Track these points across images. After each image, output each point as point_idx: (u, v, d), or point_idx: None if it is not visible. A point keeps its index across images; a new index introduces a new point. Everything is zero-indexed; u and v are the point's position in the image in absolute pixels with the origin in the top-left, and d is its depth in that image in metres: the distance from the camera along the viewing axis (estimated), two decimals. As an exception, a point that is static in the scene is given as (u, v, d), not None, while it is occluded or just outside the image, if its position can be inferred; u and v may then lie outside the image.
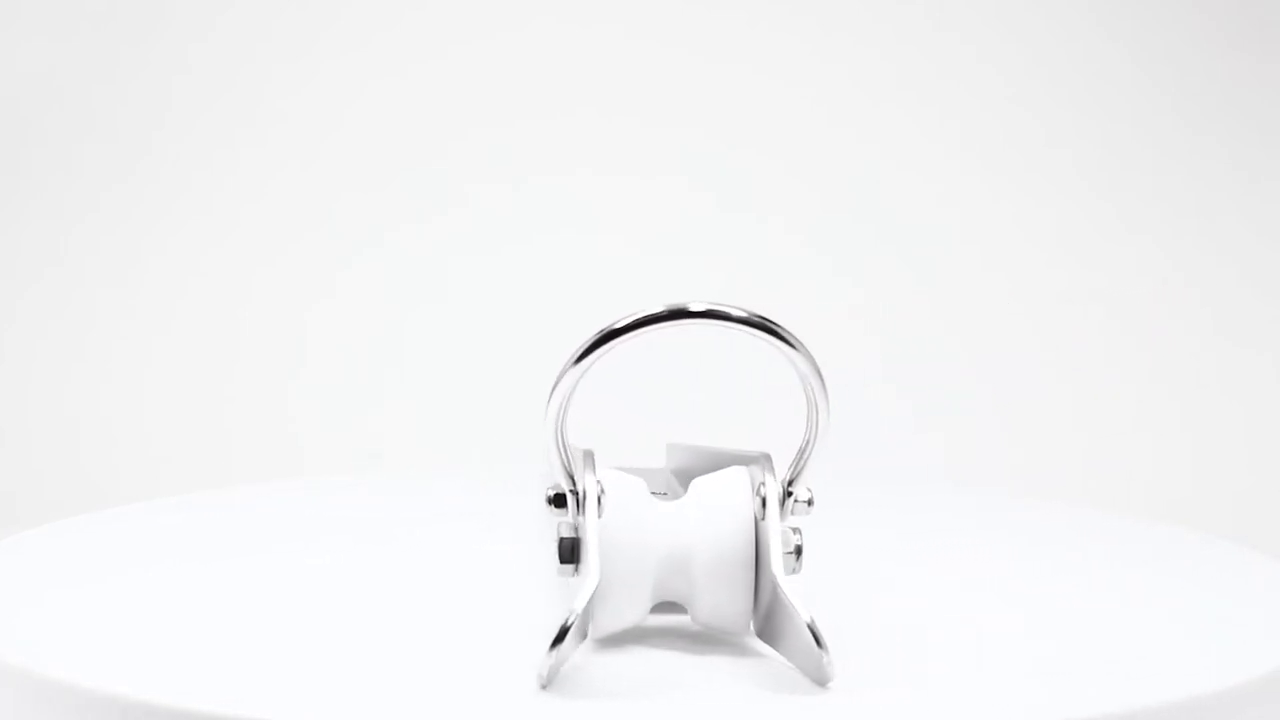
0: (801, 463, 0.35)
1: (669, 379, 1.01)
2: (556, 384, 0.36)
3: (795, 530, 0.37)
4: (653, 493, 0.39)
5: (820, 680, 0.34)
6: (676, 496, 0.40)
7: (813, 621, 0.34)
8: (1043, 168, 1.04)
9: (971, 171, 1.04)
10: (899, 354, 1.03)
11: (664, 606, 0.38)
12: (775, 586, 0.34)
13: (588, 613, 0.36)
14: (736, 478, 0.38)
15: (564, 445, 0.37)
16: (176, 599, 0.43)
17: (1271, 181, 1.04)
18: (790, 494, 0.35)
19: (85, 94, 1.02)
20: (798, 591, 0.34)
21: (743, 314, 0.34)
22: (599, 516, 0.37)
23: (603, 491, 0.37)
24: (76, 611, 0.41)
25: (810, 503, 0.35)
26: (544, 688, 0.34)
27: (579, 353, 0.35)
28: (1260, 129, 1.04)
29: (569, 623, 0.34)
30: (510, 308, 1.02)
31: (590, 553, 0.36)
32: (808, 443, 0.34)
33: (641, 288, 1.03)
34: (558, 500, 0.37)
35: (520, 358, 1.02)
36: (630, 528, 0.37)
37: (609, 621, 0.37)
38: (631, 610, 0.37)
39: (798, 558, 0.36)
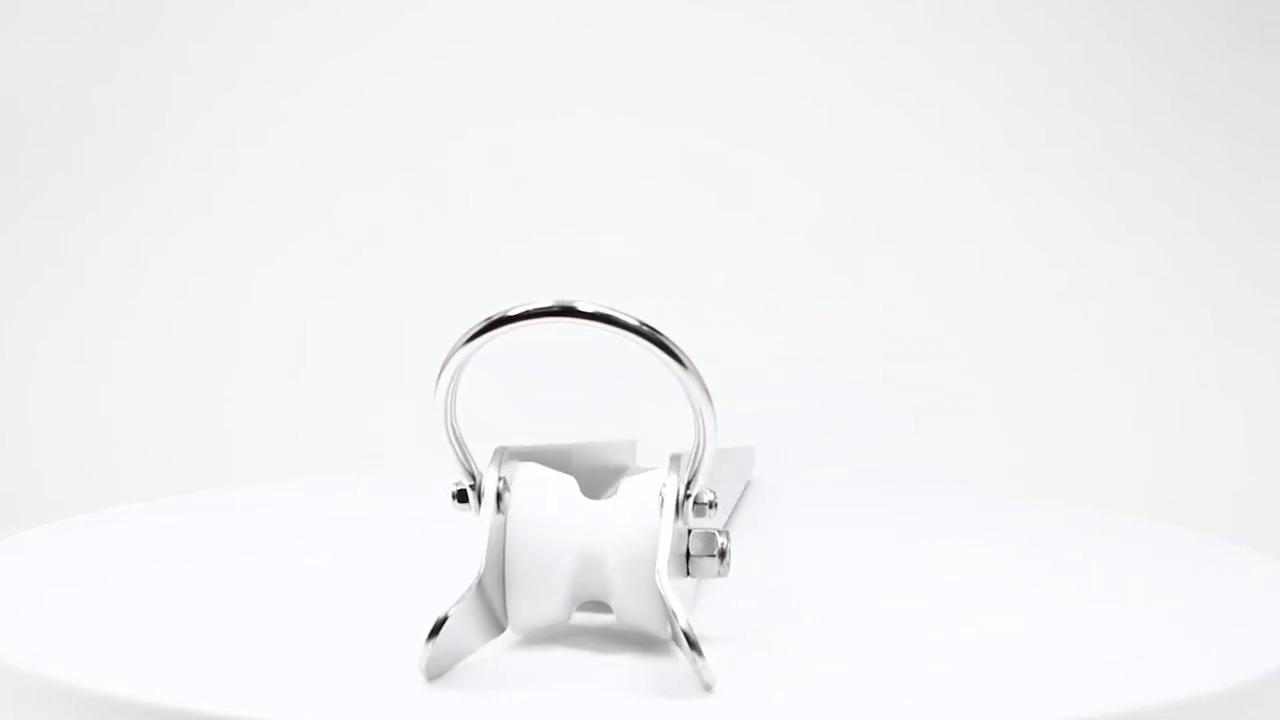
0: (694, 468, 0.35)
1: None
2: (443, 368, 0.36)
3: (722, 533, 0.37)
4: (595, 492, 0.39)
5: (704, 686, 0.34)
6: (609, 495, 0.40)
7: (688, 626, 0.33)
8: (1043, 168, 1.04)
9: (972, 171, 1.04)
10: (899, 354, 1.03)
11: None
12: (659, 587, 0.34)
13: (490, 605, 0.37)
14: (655, 479, 0.38)
15: (457, 435, 0.38)
16: (176, 599, 0.43)
17: (1273, 181, 1.04)
18: (689, 496, 0.35)
19: (85, 94, 1.03)
20: (678, 594, 0.34)
21: (633, 323, 0.34)
22: (499, 513, 0.37)
23: (507, 487, 0.37)
24: (76, 611, 0.41)
25: (712, 505, 0.35)
26: (430, 679, 0.35)
27: (466, 336, 0.36)
28: (1261, 129, 1.04)
29: (444, 616, 0.34)
30: (510, 305, 1.02)
31: (479, 548, 0.36)
32: (697, 449, 0.34)
33: (643, 288, 1.03)
34: (460, 496, 0.38)
35: (521, 357, 1.02)
36: (542, 525, 0.37)
37: (526, 617, 0.38)
38: (550, 607, 0.37)
39: (721, 560, 0.36)
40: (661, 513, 0.35)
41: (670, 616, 0.34)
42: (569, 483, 0.39)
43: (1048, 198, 1.04)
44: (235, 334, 1.02)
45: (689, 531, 0.37)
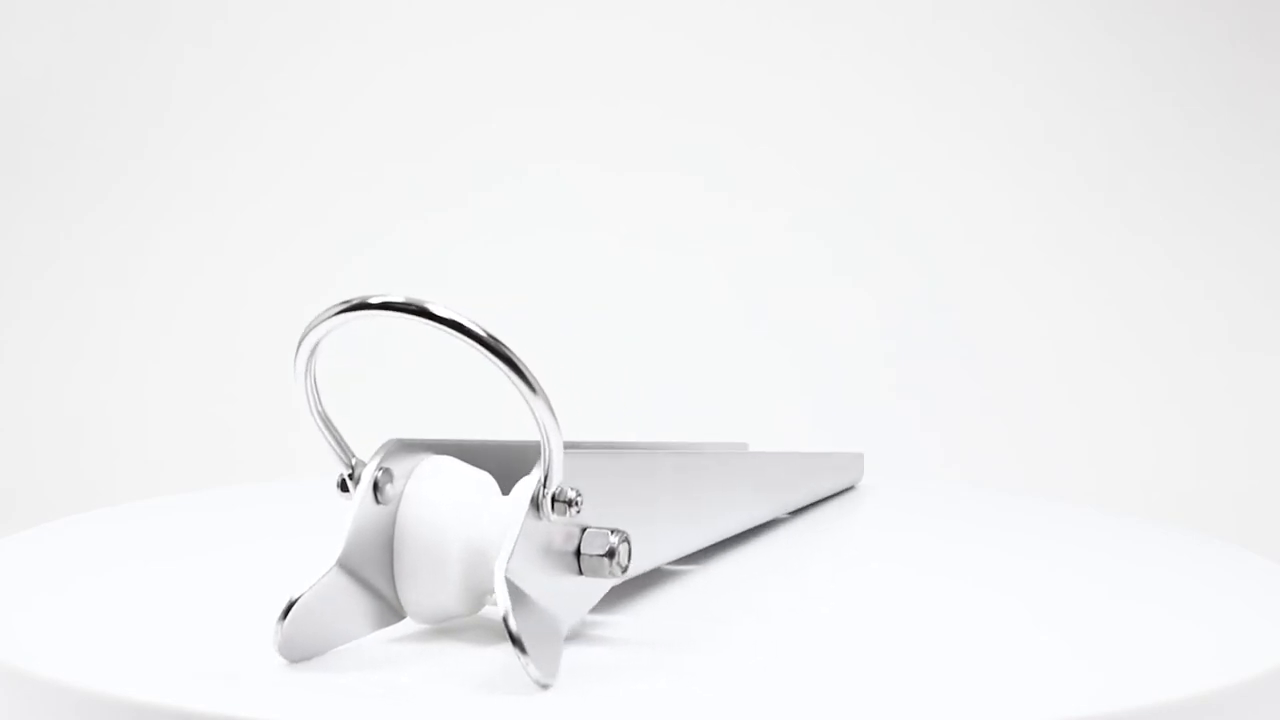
0: (546, 469, 0.35)
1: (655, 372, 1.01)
2: (298, 348, 0.37)
3: (616, 533, 0.37)
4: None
5: (535, 682, 0.34)
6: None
7: (509, 621, 0.34)
8: (1047, 170, 1.04)
9: (975, 173, 1.04)
10: (902, 354, 1.03)
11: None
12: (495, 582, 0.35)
13: (379, 592, 0.37)
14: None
15: (324, 416, 0.38)
16: (176, 598, 0.43)
17: (1277, 182, 1.04)
18: (549, 495, 0.35)
19: (84, 94, 1.03)
20: (505, 591, 0.34)
21: (483, 335, 0.34)
22: (379, 503, 0.37)
23: (390, 478, 0.38)
24: (75, 611, 0.41)
25: (572, 503, 0.35)
26: (294, 661, 0.36)
27: (320, 319, 0.36)
28: (1264, 130, 1.04)
29: (295, 599, 0.35)
30: (511, 307, 1.02)
31: (342, 534, 0.37)
32: (546, 453, 0.35)
33: (643, 287, 1.03)
34: (343, 485, 0.38)
35: (518, 355, 1.02)
36: (431, 517, 0.38)
37: (419, 607, 0.38)
38: (446, 599, 0.38)
39: (611, 560, 0.37)
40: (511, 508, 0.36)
41: (505, 613, 0.34)
42: (481, 480, 0.39)
43: (1052, 200, 1.04)
44: (235, 334, 1.02)
45: (582, 530, 0.37)
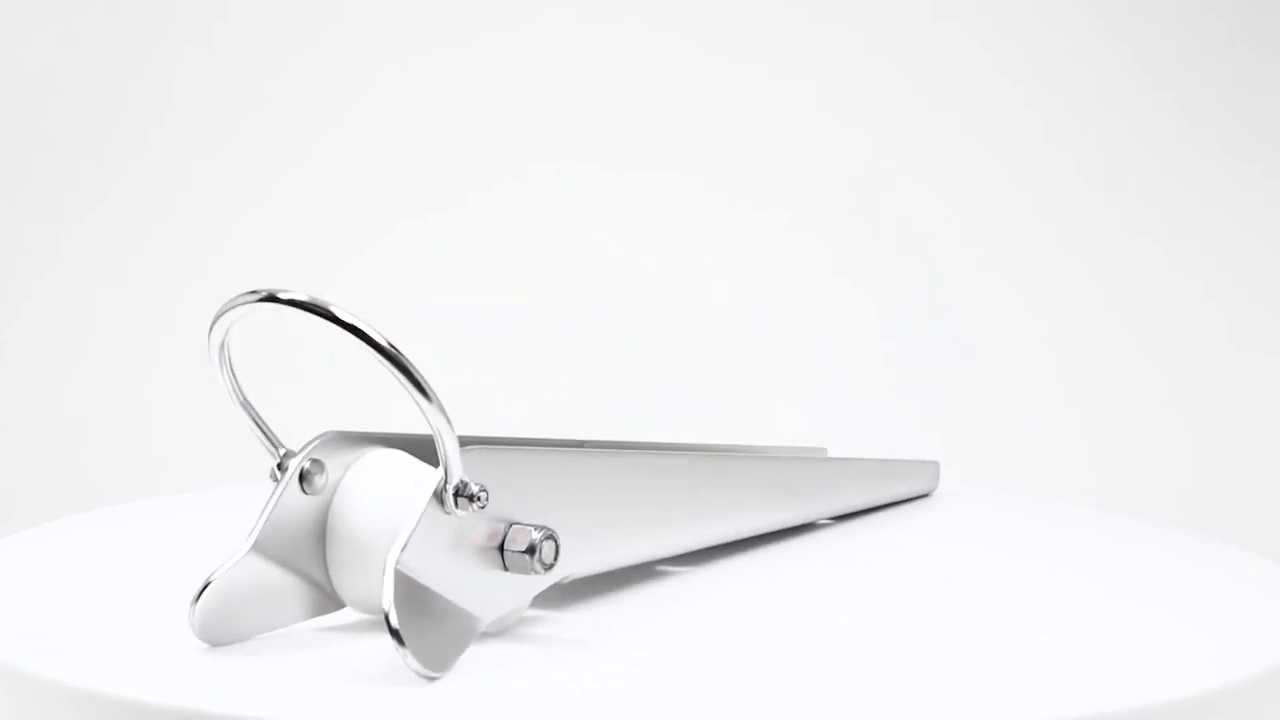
0: (445, 466, 0.36)
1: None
2: (209, 338, 0.37)
3: (540, 529, 0.38)
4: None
5: (417, 674, 0.35)
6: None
7: (389, 614, 0.34)
8: (1047, 170, 1.04)
9: (975, 173, 1.04)
10: (902, 354, 1.03)
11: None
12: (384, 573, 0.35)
13: (313, 579, 0.38)
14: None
15: (244, 402, 0.39)
16: (176, 598, 0.43)
17: (1277, 182, 1.04)
18: (451, 488, 0.36)
19: (84, 94, 1.03)
20: (390, 583, 0.34)
21: (384, 343, 0.35)
22: (306, 492, 0.38)
23: (321, 469, 0.38)
24: (75, 611, 0.41)
25: (473, 499, 0.36)
26: (215, 645, 0.37)
27: (226, 308, 0.37)
28: (1263, 130, 1.04)
29: (207, 582, 0.36)
30: (511, 307, 1.02)
31: (259, 520, 0.37)
32: (442, 455, 0.35)
33: (643, 287, 1.03)
34: (274, 475, 0.38)
35: (520, 356, 1.02)
36: (363, 508, 0.38)
37: (356, 595, 0.38)
38: (376, 590, 0.38)
39: (532, 556, 0.37)
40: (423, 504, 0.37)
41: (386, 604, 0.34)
42: (423, 475, 0.39)
43: (1052, 199, 1.04)
44: (235, 334, 1.01)
45: (509, 526, 0.37)
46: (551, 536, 0.37)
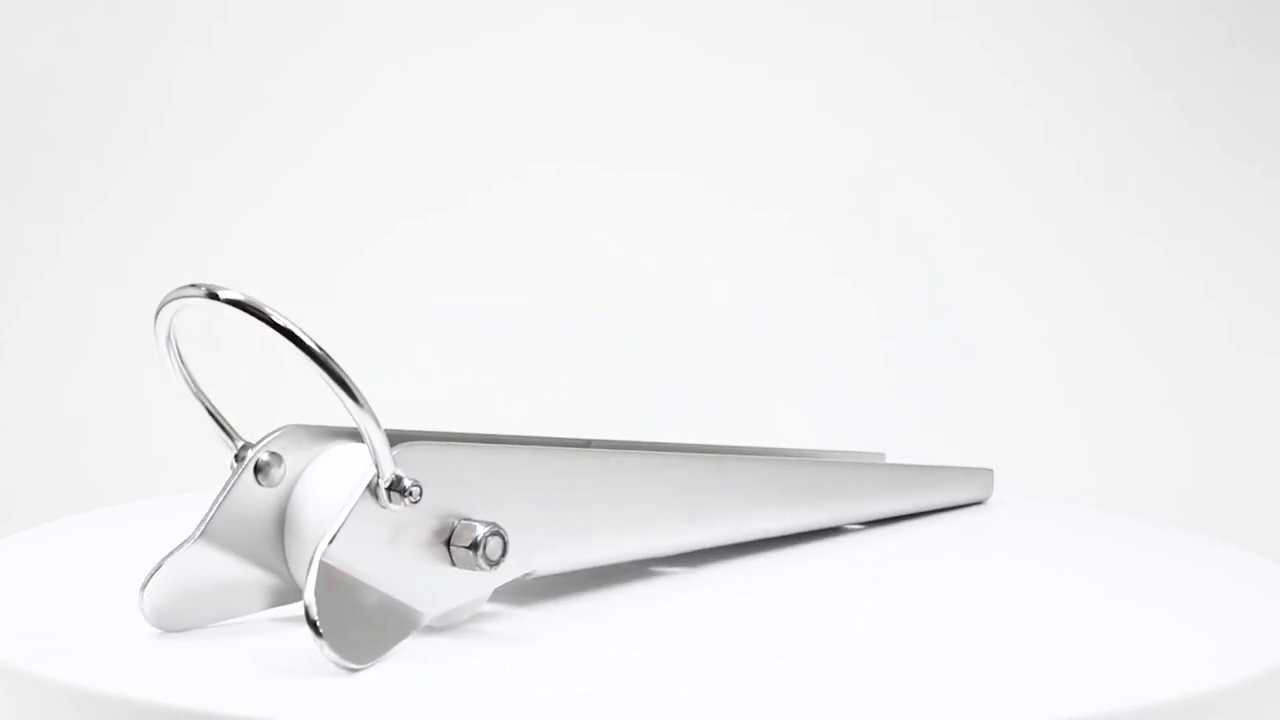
0: (376, 462, 0.36)
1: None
2: (155, 333, 0.39)
3: (486, 525, 0.38)
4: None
5: (334, 664, 0.35)
6: None
7: (308, 605, 0.34)
8: (1047, 170, 1.04)
9: (975, 173, 1.04)
10: (902, 354, 1.03)
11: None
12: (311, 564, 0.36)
13: (274, 569, 0.39)
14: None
15: (197, 393, 0.40)
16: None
17: (1277, 182, 1.04)
18: (385, 483, 0.36)
19: (84, 94, 1.03)
20: (314, 574, 0.35)
21: (314, 347, 0.36)
22: (262, 484, 0.39)
23: (280, 461, 0.39)
24: (75, 611, 0.41)
25: (406, 493, 0.36)
26: (167, 630, 0.38)
27: (165, 300, 0.38)
28: (1263, 130, 1.04)
29: (155, 569, 0.37)
30: (511, 307, 1.02)
31: (210, 508, 0.38)
32: (372, 451, 0.36)
33: (643, 287, 1.03)
34: (235, 464, 0.39)
35: (520, 356, 1.02)
36: (318, 502, 0.39)
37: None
38: None
39: (475, 552, 0.38)
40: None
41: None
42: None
43: (1051, 199, 1.04)
44: (234, 334, 1.02)
45: (457, 521, 0.38)
46: (498, 533, 0.38)
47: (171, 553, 0.37)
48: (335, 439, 0.40)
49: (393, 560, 0.36)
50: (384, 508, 0.36)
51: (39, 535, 0.51)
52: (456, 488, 0.38)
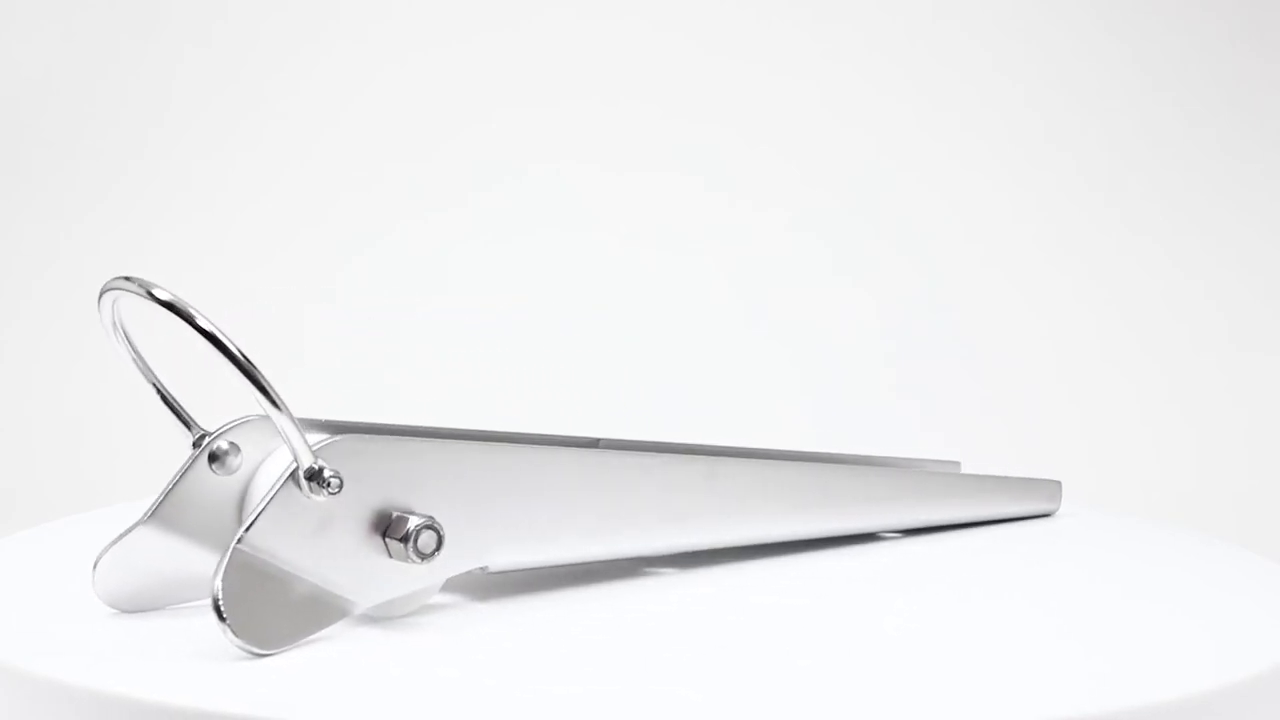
0: (292, 454, 0.37)
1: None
2: (99, 314, 0.40)
3: (422, 518, 0.38)
4: None
5: (237, 649, 0.36)
6: None
7: (215, 591, 0.35)
8: (1047, 170, 1.04)
9: (975, 173, 1.04)
10: (902, 354, 1.03)
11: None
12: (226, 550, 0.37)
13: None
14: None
15: (153, 381, 0.41)
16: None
17: (1277, 182, 1.04)
18: (304, 473, 0.37)
19: (84, 94, 1.03)
20: (224, 561, 0.36)
21: (235, 353, 0.36)
22: (216, 472, 0.40)
23: (237, 450, 0.40)
24: (75, 611, 0.41)
25: (326, 483, 0.37)
26: (124, 610, 0.39)
27: (102, 291, 0.39)
28: (1263, 130, 1.04)
29: (107, 546, 0.39)
30: (511, 307, 1.02)
31: (159, 494, 0.39)
32: (288, 445, 0.37)
33: (643, 287, 1.03)
34: (193, 451, 0.41)
35: (520, 356, 1.02)
36: (264, 491, 0.39)
37: None
38: None
39: (406, 545, 0.38)
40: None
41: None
42: None
43: (1051, 199, 1.04)
44: (235, 334, 1.02)
45: (393, 515, 0.38)
46: (432, 527, 0.38)
47: (122, 535, 0.38)
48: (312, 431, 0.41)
49: (321, 549, 0.37)
50: (308, 497, 0.37)
51: (39, 535, 0.51)
52: (394, 481, 0.38)
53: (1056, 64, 1.04)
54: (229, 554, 0.36)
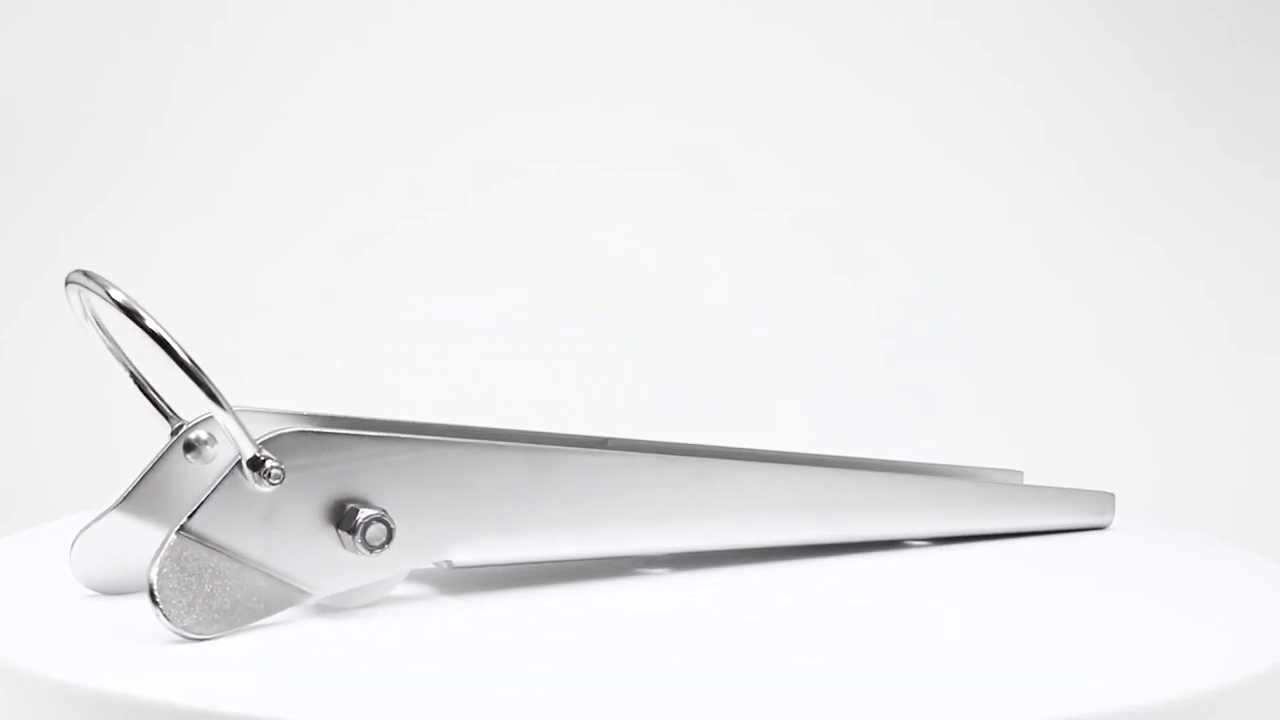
0: (236, 445, 0.38)
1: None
2: (70, 307, 0.41)
3: (373, 510, 0.39)
4: None
5: (169, 630, 0.37)
6: None
7: (151, 577, 0.36)
8: (1047, 170, 1.04)
9: (975, 173, 1.04)
10: (902, 354, 1.03)
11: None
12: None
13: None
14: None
15: (131, 372, 0.42)
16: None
17: (1277, 182, 1.04)
18: (247, 462, 0.38)
19: (84, 94, 1.02)
20: (165, 545, 0.37)
21: (183, 356, 0.37)
22: (192, 461, 0.41)
23: (213, 440, 0.41)
24: (76, 612, 0.41)
25: (269, 474, 0.38)
26: (103, 591, 0.41)
27: (69, 280, 0.41)
28: (1263, 130, 1.04)
29: (82, 529, 0.40)
30: (511, 307, 1.02)
31: (131, 480, 0.41)
32: (230, 439, 0.38)
33: (643, 287, 1.03)
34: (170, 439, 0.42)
35: (520, 356, 1.02)
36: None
37: None
38: None
39: (354, 536, 0.39)
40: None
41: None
42: None
43: (1051, 199, 1.04)
44: (235, 334, 1.02)
45: (346, 507, 0.39)
46: (383, 520, 0.39)
47: (96, 519, 0.40)
48: (281, 421, 0.41)
49: (270, 538, 0.38)
50: (254, 487, 0.38)
51: (39, 535, 0.51)
52: (350, 475, 0.39)
53: (1056, 64, 1.04)
54: (168, 541, 0.37)
